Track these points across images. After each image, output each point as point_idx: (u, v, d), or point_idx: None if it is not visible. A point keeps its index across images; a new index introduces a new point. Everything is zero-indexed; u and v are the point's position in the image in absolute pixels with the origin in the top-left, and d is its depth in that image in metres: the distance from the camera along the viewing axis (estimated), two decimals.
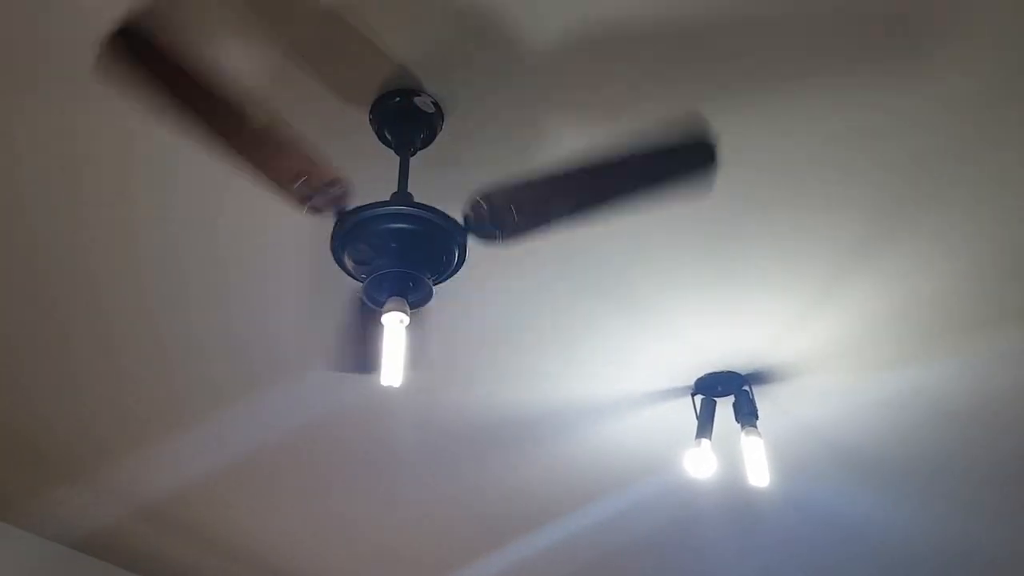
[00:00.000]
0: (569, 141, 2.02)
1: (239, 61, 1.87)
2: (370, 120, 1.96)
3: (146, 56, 1.55)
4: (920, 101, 1.94)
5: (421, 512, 3.65)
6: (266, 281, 2.49)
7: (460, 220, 1.85)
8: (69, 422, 3.10)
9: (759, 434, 2.79)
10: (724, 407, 2.88)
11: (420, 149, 1.99)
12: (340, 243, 1.85)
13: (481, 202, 1.80)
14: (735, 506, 3.53)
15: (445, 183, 2.05)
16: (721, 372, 2.85)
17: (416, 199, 1.88)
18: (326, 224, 1.83)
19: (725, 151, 2.04)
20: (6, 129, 2.05)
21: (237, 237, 2.34)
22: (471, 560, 4.00)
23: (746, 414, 2.82)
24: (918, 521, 3.64)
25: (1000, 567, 4.00)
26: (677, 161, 1.72)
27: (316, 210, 1.81)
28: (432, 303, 1.96)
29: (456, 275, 1.92)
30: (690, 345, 2.72)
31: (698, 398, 2.90)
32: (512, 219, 1.83)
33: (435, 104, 1.94)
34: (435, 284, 1.86)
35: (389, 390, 2.82)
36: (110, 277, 2.47)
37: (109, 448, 3.23)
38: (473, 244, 1.98)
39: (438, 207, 1.88)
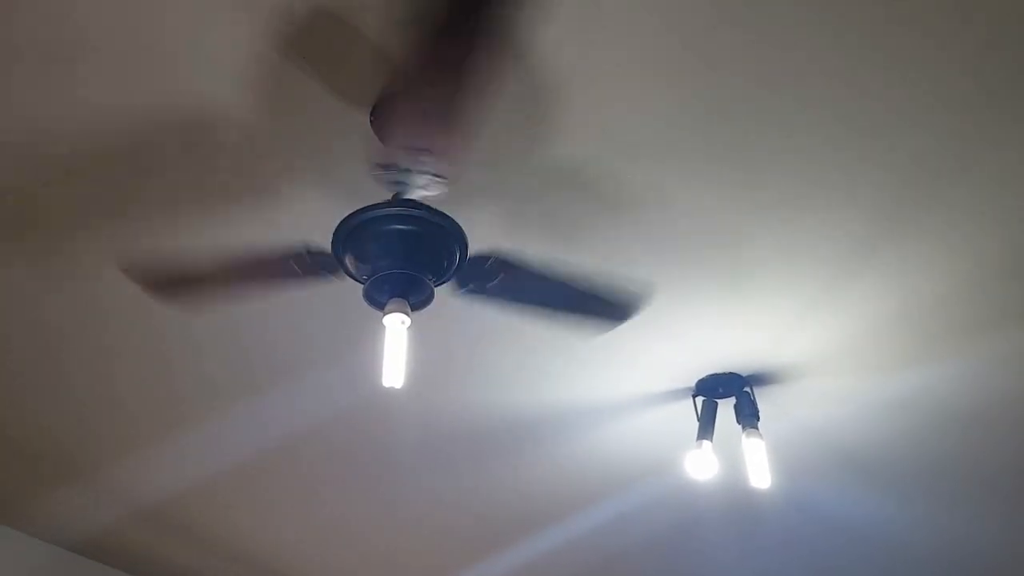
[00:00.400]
0: (566, 142, 2.02)
1: (240, 63, 1.86)
2: (371, 122, 1.96)
3: None
4: (920, 100, 1.93)
5: (421, 514, 3.65)
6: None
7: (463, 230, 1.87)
8: (68, 425, 3.09)
9: (760, 436, 2.78)
10: (725, 408, 2.87)
11: (422, 148, 1.97)
12: (342, 244, 1.85)
13: (494, 261, 1.93)
14: (736, 508, 3.53)
15: (444, 178, 2.04)
16: (722, 373, 2.85)
17: (418, 199, 1.88)
18: (326, 228, 1.83)
19: (726, 152, 2.04)
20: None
21: (237, 239, 2.34)
22: (471, 562, 3.99)
23: (747, 415, 2.82)
24: (920, 523, 3.64)
25: (1003, 570, 3.99)
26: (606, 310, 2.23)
27: (314, 276, 1.87)
28: (432, 304, 1.97)
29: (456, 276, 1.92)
30: (691, 346, 2.72)
31: (699, 399, 2.90)
32: (495, 286, 1.98)
33: None
34: (436, 286, 1.86)
35: (389, 392, 2.82)
36: (109, 280, 2.46)
37: (108, 450, 3.23)
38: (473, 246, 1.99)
39: (439, 209, 1.88)
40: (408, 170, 1.79)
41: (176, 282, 2.10)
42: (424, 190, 1.85)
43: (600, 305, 2.23)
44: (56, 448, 3.22)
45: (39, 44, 1.83)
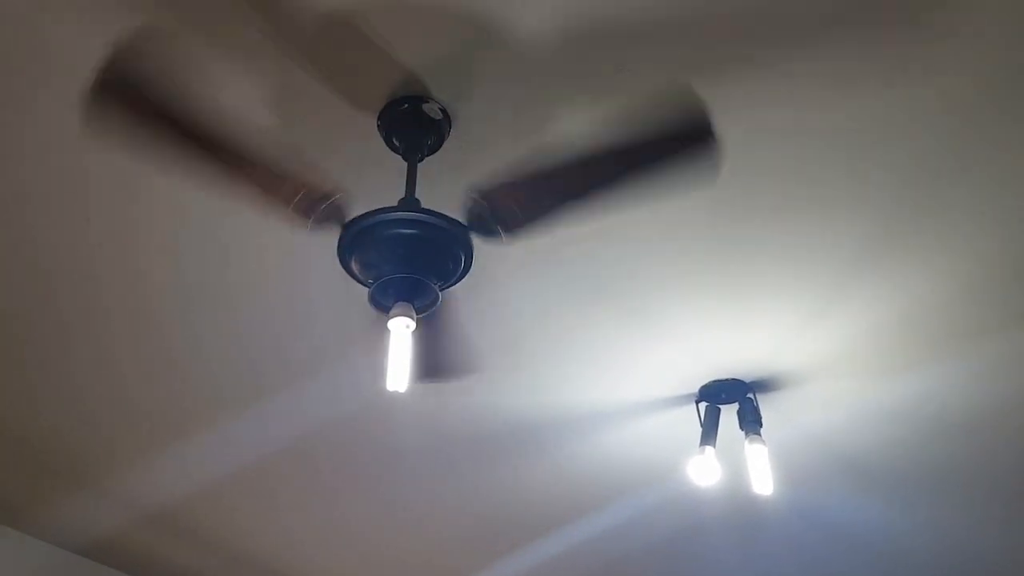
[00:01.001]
0: (578, 142, 2.02)
1: (247, 70, 1.88)
2: (378, 126, 1.97)
3: (130, 100, 1.57)
4: (923, 103, 1.94)
5: (424, 516, 3.65)
6: (272, 286, 2.50)
7: (464, 221, 1.85)
8: (75, 428, 3.10)
9: (763, 442, 2.79)
10: (729, 414, 2.88)
11: (428, 155, 2.00)
12: (347, 248, 1.86)
13: (481, 200, 1.81)
14: (739, 514, 3.53)
15: (453, 188, 2.05)
16: (726, 379, 2.85)
17: (424, 205, 1.89)
18: (332, 231, 1.84)
19: (729, 155, 2.05)
20: (13, 134, 2.06)
21: (243, 243, 2.35)
22: (474, 565, 4.00)
23: (750, 422, 2.82)
24: (922, 529, 3.63)
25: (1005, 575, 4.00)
26: (675, 143, 1.70)
27: (318, 224, 1.82)
28: (438, 308, 1.98)
29: (461, 281, 1.93)
30: (695, 352, 2.72)
31: (702, 405, 2.90)
32: (513, 214, 1.83)
33: (442, 111, 1.95)
34: (441, 290, 1.87)
35: (393, 396, 2.83)
36: (116, 284, 2.48)
37: (113, 453, 3.24)
38: (478, 249, 2.00)
39: (446, 213, 1.89)
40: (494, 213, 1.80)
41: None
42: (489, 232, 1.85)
43: (666, 143, 1.72)
44: (61, 450, 3.23)
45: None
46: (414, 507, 3.58)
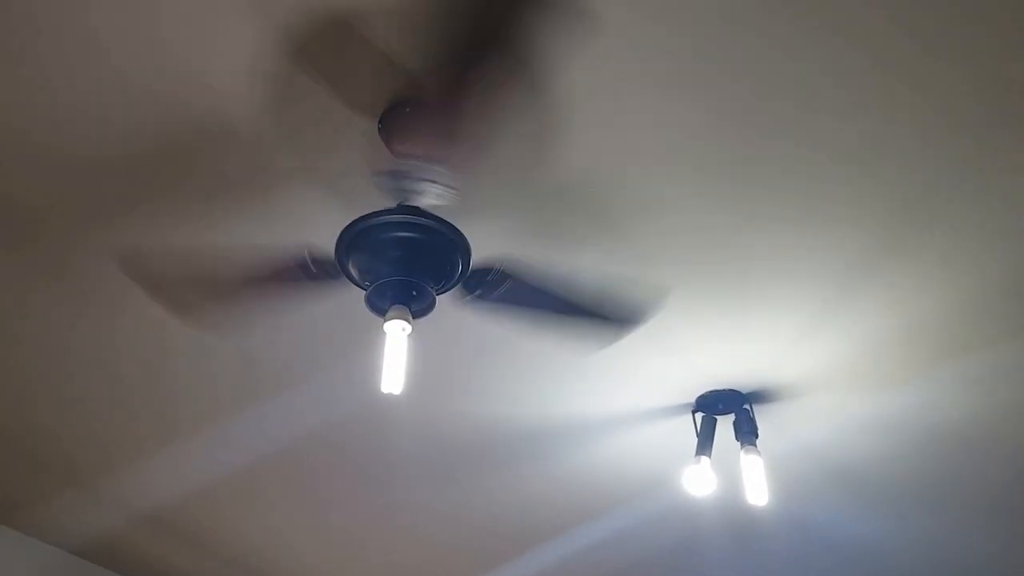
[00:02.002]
0: (571, 155, 2.04)
1: (248, 72, 1.89)
2: (379, 130, 1.98)
3: None
4: (924, 119, 1.94)
5: (419, 524, 3.65)
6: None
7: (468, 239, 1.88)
8: (73, 429, 3.10)
9: (759, 453, 2.79)
10: (725, 425, 2.88)
11: (429, 157, 1.99)
12: (345, 251, 1.87)
13: (499, 270, 1.94)
14: (734, 525, 3.52)
15: (451, 187, 2.06)
16: (722, 390, 2.85)
17: (423, 207, 1.90)
18: (332, 234, 1.85)
19: (728, 169, 2.06)
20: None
21: (242, 244, 2.35)
22: (470, 573, 3.99)
23: (746, 432, 2.82)
24: (918, 542, 3.63)
25: None
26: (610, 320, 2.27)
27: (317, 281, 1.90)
28: (435, 314, 1.99)
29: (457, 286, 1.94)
30: (692, 363, 2.72)
31: (699, 415, 2.90)
32: (497, 295, 1.99)
33: None
34: (438, 294, 1.88)
35: (389, 402, 2.83)
36: (115, 287, 2.48)
37: (111, 454, 3.24)
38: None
39: (444, 217, 1.90)
40: (417, 179, 1.81)
41: (178, 283, 2.13)
42: (432, 199, 1.87)
43: (605, 316, 2.24)
44: (58, 450, 3.23)
45: (48, 45, 1.86)
46: (409, 513, 3.57)
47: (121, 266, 2.36)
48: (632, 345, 2.64)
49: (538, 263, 2.16)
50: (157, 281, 2.19)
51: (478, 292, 2.00)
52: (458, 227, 1.86)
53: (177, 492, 3.43)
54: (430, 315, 1.93)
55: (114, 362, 2.80)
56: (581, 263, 2.34)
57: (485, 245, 2.04)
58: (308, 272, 1.96)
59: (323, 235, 2.04)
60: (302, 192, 2.15)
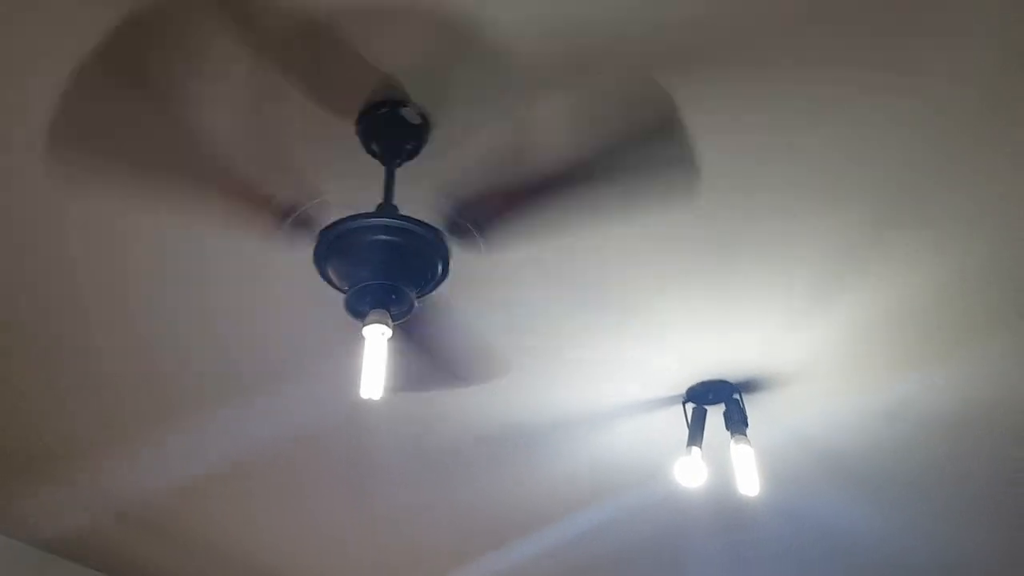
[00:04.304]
0: (557, 147, 2.03)
1: (224, 74, 1.87)
2: (357, 132, 1.96)
3: None
4: (911, 106, 1.93)
5: (410, 519, 3.64)
6: (251, 292, 2.49)
7: (443, 231, 1.86)
8: (51, 424, 3.07)
9: (749, 443, 2.79)
10: (716, 416, 2.87)
11: (407, 160, 1.99)
12: (324, 254, 1.86)
13: (458, 207, 1.85)
14: (725, 515, 3.53)
15: (432, 194, 2.05)
16: (712, 381, 2.84)
17: (402, 210, 1.89)
18: (306, 237, 1.84)
19: (713, 158, 2.05)
20: None
21: (224, 245, 2.34)
22: (461, 565, 4.00)
23: (736, 422, 2.82)
24: (910, 531, 3.63)
25: None
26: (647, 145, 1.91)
27: (292, 230, 1.83)
28: (422, 313, 1.98)
29: (445, 285, 1.93)
30: (681, 354, 2.72)
31: (689, 406, 2.90)
32: (491, 222, 1.91)
33: (422, 115, 1.94)
34: (418, 297, 1.87)
35: (375, 402, 2.82)
36: (97, 282, 2.47)
37: (88, 449, 3.21)
38: (461, 255, 2.00)
39: (424, 219, 1.89)
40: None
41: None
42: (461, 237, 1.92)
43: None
44: (40, 448, 3.19)
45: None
46: (398, 509, 3.57)
47: None
48: (621, 338, 2.63)
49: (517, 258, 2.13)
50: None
51: (478, 236, 1.99)
52: (438, 228, 1.85)
53: (154, 488, 3.40)
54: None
55: (95, 358, 2.76)
56: (564, 257, 2.34)
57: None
58: (281, 222, 1.92)
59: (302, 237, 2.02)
60: (274, 183, 2.13)
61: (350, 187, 2.06)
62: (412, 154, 1.98)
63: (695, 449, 2.82)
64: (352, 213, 1.85)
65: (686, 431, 2.86)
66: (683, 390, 2.88)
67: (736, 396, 2.86)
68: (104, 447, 3.19)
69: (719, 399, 2.87)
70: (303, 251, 1.94)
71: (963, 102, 1.93)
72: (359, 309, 1.82)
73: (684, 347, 2.69)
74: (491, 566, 3.93)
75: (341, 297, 1.88)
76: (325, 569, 4.10)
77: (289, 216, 1.82)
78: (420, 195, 2.03)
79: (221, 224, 2.10)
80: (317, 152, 2.04)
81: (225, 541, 3.84)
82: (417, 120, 1.94)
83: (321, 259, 1.86)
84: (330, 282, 1.90)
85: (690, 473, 2.82)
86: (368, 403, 2.85)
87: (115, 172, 2.05)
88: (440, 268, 1.88)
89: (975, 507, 3.43)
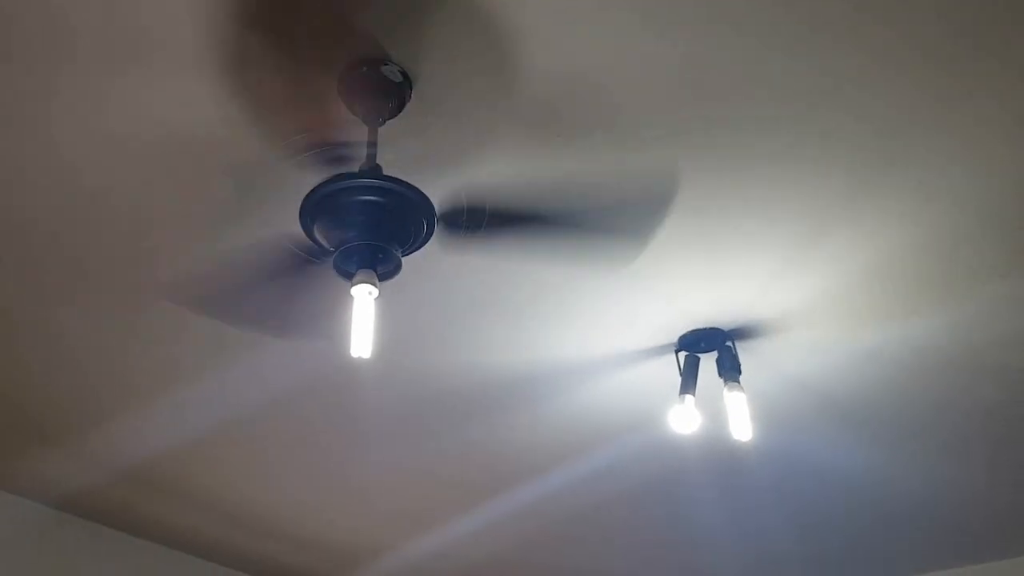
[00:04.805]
0: (536, 105, 2.03)
1: (203, 33, 1.87)
2: (339, 91, 1.96)
3: None
4: (895, 50, 1.92)
5: (407, 469, 3.68)
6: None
7: (434, 198, 1.88)
8: (59, 387, 3.11)
9: (742, 389, 2.82)
10: (709, 363, 2.90)
11: (389, 119, 1.99)
12: (309, 215, 1.87)
13: (464, 202, 1.93)
14: (721, 460, 3.57)
15: (415, 152, 2.06)
16: (704, 328, 2.86)
17: (386, 169, 1.90)
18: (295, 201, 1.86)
19: (702, 111, 2.05)
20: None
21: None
22: (460, 512, 4.05)
23: (728, 369, 2.84)
24: (906, 472, 3.67)
25: (991, 516, 4.04)
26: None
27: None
28: (410, 272, 2.00)
29: (424, 246, 1.95)
30: (672, 303, 2.74)
31: (682, 355, 2.93)
32: (482, 223, 1.99)
33: (403, 73, 1.94)
34: (404, 255, 1.88)
35: (377, 355, 2.85)
36: (99, 248, 2.48)
37: (99, 412, 3.25)
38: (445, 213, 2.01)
39: (408, 177, 1.90)
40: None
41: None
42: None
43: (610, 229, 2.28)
44: (44, 408, 3.23)
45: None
46: (396, 459, 3.60)
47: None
48: (610, 288, 2.65)
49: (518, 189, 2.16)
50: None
51: (464, 230, 2.02)
52: (420, 188, 1.86)
53: (164, 446, 3.44)
54: (400, 274, 1.94)
55: (101, 316, 2.78)
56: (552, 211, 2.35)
57: (456, 185, 2.03)
58: (300, 259, 1.99)
59: (289, 201, 2.03)
60: (262, 156, 2.14)
61: (334, 146, 2.06)
62: (395, 112, 1.98)
63: (688, 397, 2.85)
64: (337, 173, 1.86)
65: (679, 379, 2.88)
66: (675, 338, 2.90)
67: (728, 343, 2.88)
68: (112, 409, 3.23)
69: (711, 347, 2.88)
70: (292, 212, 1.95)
71: (948, 48, 1.92)
72: (346, 269, 1.84)
73: (675, 296, 2.71)
74: (488, 513, 3.99)
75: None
76: (329, 519, 4.16)
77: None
78: (404, 153, 2.04)
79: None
80: (300, 112, 2.04)
81: (231, 496, 3.89)
82: (398, 78, 1.94)
83: (307, 220, 1.88)
84: (317, 243, 1.91)
85: (684, 421, 2.85)
86: (368, 362, 2.88)
87: None
88: (426, 226, 1.89)
89: (970, 446, 3.47)
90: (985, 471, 3.65)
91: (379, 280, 1.83)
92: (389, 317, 2.56)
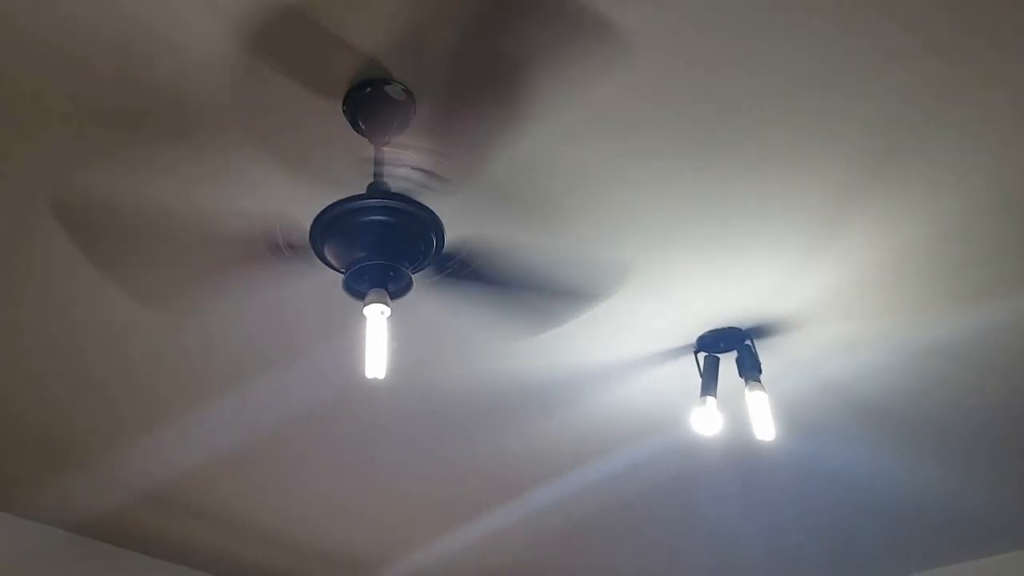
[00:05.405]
0: (539, 119, 2.03)
1: (210, 65, 1.88)
2: (344, 111, 1.98)
3: None
4: (902, 41, 1.91)
5: (432, 479, 3.68)
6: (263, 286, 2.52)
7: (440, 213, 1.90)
8: (75, 413, 3.12)
9: (763, 388, 2.80)
10: (729, 363, 2.88)
11: (395, 136, 2.00)
12: (320, 237, 1.89)
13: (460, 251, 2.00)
14: (743, 461, 3.55)
15: (421, 168, 2.07)
16: (722, 328, 2.84)
17: (393, 187, 1.91)
18: (299, 217, 1.87)
19: (705, 111, 2.05)
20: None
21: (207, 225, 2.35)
22: (479, 517, 4.04)
23: (749, 368, 2.82)
24: (927, 470, 3.62)
25: (1018, 524, 4.00)
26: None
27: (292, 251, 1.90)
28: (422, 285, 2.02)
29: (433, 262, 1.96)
30: (688, 304, 2.73)
31: (701, 356, 2.91)
32: (464, 271, 2.06)
33: (406, 91, 1.95)
34: (414, 272, 1.90)
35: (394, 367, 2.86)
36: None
37: (116, 436, 3.27)
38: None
39: (414, 194, 1.91)
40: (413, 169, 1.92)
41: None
42: (421, 188, 1.96)
43: (564, 292, 2.42)
44: (59, 434, 3.24)
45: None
46: (417, 469, 3.60)
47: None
48: (627, 293, 2.64)
49: (512, 230, 2.17)
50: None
51: (448, 271, 2.01)
52: (429, 206, 1.88)
53: (180, 468, 3.46)
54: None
55: (118, 340, 2.80)
56: (563, 219, 2.35)
57: (453, 221, 2.04)
58: (278, 252, 1.98)
59: (292, 217, 2.05)
60: (267, 175, 2.15)
61: (341, 166, 2.07)
62: (400, 129, 2.00)
63: (710, 399, 2.83)
64: (344, 193, 1.87)
65: (699, 380, 2.87)
66: (694, 340, 2.88)
67: (748, 342, 2.87)
68: (128, 432, 3.26)
69: (731, 346, 2.87)
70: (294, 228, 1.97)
71: (955, 38, 1.91)
72: (358, 289, 1.86)
73: (691, 298, 2.70)
74: (508, 518, 3.98)
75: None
76: (351, 536, 4.17)
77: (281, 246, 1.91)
78: (410, 170, 2.05)
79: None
80: (306, 134, 2.06)
81: (249, 515, 3.91)
82: (401, 96, 1.95)
83: (317, 243, 1.89)
84: (329, 265, 1.93)
85: (706, 422, 2.84)
86: (389, 372, 2.89)
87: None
88: (435, 241, 1.90)
89: (996, 446, 3.43)
90: (1018, 481, 3.60)
91: (391, 298, 1.84)
92: (405, 331, 2.56)
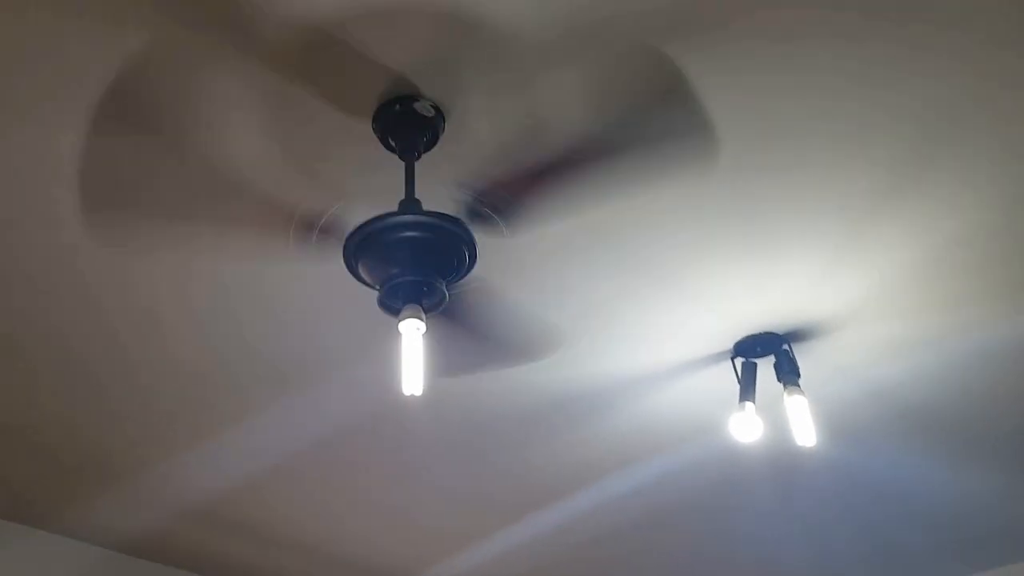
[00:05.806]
0: (570, 125, 2.03)
1: (237, 89, 1.91)
2: (373, 129, 2.00)
3: None
4: (933, 44, 1.90)
5: (473, 490, 3.69)
6: (298, 295, 2.55)
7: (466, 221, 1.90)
8: (116, 431, 3.15)
9: (802, 393, 2.77)
10: (767, 368, 2.86)
11: (424, 152, 2.01)
12: (353, 255, 1.90)
13: (474, 195, 1.92)
14: (782, 468, 3.51)
15: (452, 184, 2.08)
16: (759, 334, 2.82)
17: (425, 203, 1.92)
18: (335, 241, 1.88)
19: (733, 115, 2.04)
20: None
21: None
22: (519, 522, 4.02)
23: (787, 373, 2.79)
24: (971, 473, 3.56)
25: None
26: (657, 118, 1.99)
27: (321, 239, 1.89)
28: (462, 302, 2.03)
29: (483, 272, 1.97)
30: (724, 311, 2.71)
31: (738, 361, 2.89)
32: (509, 205, 1.96)
33: (435, 107, 1.97)
34: (448, 287, 1.90)
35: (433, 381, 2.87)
36: (151, 286, 2.54)
37: (155, 453, 3.30)
38: (490, 241, 2.03)
39: (447, 209, 1.92)
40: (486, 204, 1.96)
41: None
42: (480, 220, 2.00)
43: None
44: (101, 453, 3.29)
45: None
46: (455, 481, 3.61)
47: None
48: (658, 303, 2.64)
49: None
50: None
51: (499, 221, 2.03)
52: (459, 218, 1.89)
53: (222, 483, 3.50)
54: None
55: (141, 366, 2.84)
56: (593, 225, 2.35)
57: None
58: (306, 235, 1.99)
59: (324, 232, 2.06)
60: (298, 193, 2.18)
61: (372, 184, 2.09)
62: (429, 146, 2.01)
63: (748, 404, 2.81)
64: (376, 210, 1.88)
65: (737, 386, 2.85)
66: (730, 345, 2.87)
67: (785, 347, 2.84)
68: (170, 449, 3.29)
69: (768, 351, 2.84)
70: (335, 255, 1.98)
71: (987, 41, 1.90)
72: (392, 306, 1.86)
73: (726, 304, 2.69)
74: (543, 526, 3.96)
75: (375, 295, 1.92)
76: (391, 548, 4.18)
77: (315, 227, 1.88)
78: (442, 185, 2.06)
79: (252, 251, 2.16)
80: (337, 153, 2.07)
81: (290, 530, 3.94)
82: (430, 112, 1.96)
83: (351, 261, 1.91)
84: (363, 281, 1.94)
85: (745, 428, 2.81)
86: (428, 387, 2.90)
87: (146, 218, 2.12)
88: (468, 256, 1.91)
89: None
90: None
91: (425, 313, 1.85)
92: (437, 344, 2.57)
